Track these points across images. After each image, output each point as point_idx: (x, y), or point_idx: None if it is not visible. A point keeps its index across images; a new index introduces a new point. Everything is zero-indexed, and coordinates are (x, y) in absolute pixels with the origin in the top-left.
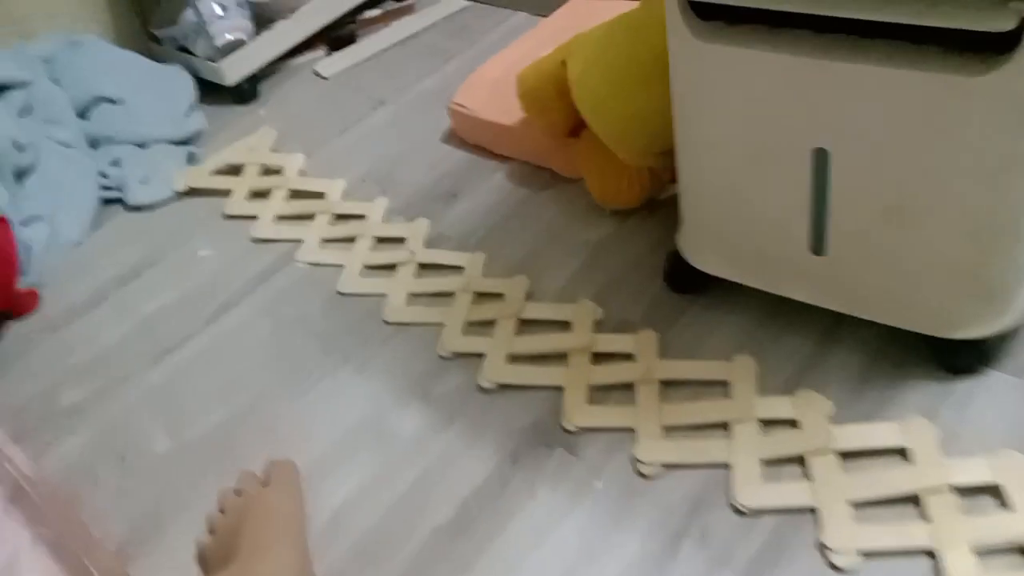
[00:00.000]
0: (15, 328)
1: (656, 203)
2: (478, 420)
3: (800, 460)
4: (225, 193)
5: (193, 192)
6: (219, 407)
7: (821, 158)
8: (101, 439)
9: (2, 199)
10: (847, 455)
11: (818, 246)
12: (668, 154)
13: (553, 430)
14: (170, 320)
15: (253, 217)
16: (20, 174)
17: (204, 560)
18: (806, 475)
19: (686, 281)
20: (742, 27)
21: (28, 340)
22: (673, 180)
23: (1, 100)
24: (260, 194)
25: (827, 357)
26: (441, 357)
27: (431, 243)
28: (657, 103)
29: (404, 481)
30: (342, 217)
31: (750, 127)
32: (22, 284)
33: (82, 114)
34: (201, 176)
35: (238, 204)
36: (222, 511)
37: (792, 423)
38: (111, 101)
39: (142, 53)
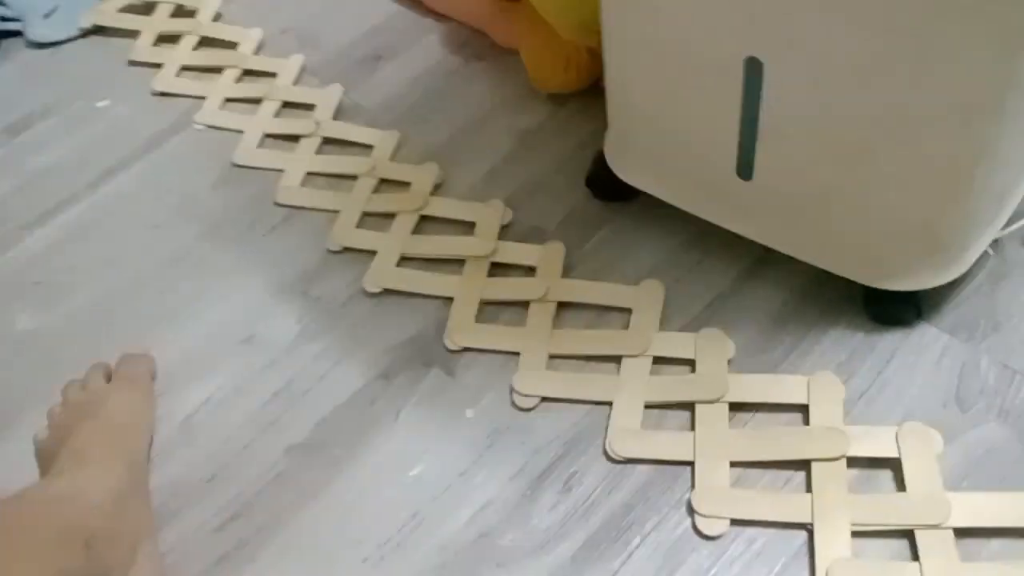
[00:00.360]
0: None
1: (598, 91)
2: (356, 328)
3: (690, 407)
4: (132, 35)
5: (99, 30)
6: (90, 288)
7: (753, 69)
8: None
9: None
10: (740, 407)
11: (745, 170)
12: None
13: (435, 346)
14: (54, 181)
15: (158, 65)
16: None
17: (40, 455)
18: (691, 425)
19: (609, 189)
20: None
21: None
22: None
23: None
24: (169, 39)
25: (744, 294)
26: (329, 251)
27: (343, 114)
28: None
29: (266, 391)
30: (251, 74)
31: (679, 27)
32: None
33: None
34: (108, 13)
35: (144, 50)
36: (63, 404)
37: (689, 364)
38: None
39: None
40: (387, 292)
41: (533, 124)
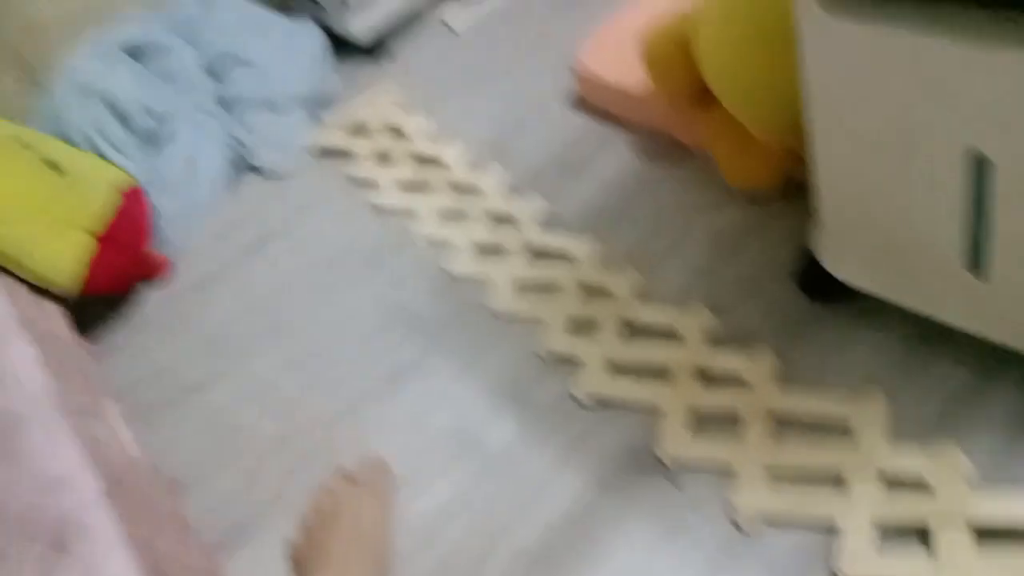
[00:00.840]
0: (145, 295)
1: (796, 186)
2: (571, 436)
3: (924, 532)
4: (349, 155)
5: (321, 152)
6: (327, 397)
7: (978, 161)
8: (216, 418)
9: (138, 166)
10: (985, 533)
11: (975, 264)
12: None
13: (649, 456)
14: (287, 298)
15: (375, 183)
16: (155, 140)
17: (294, 559)
18: (930, 552)
19: (820, 287)
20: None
21: (157, 310)
22: None
23: (139, 64)
24: (383, 156)
25: (977, 402)
26: (540, 358)
27: (545, 222)
28: (784, 75)
29: (489, 497)
30: (458, 187)
31: (891, 118)
32: (154, 249)
33: (215, 75)
34: (329, 135)
35: (361, 167)
36: (313, 511)
37: (921, 484)
38: (243, 62)
39: (272, 7)
40: (598, 399)
41: (731, 224)
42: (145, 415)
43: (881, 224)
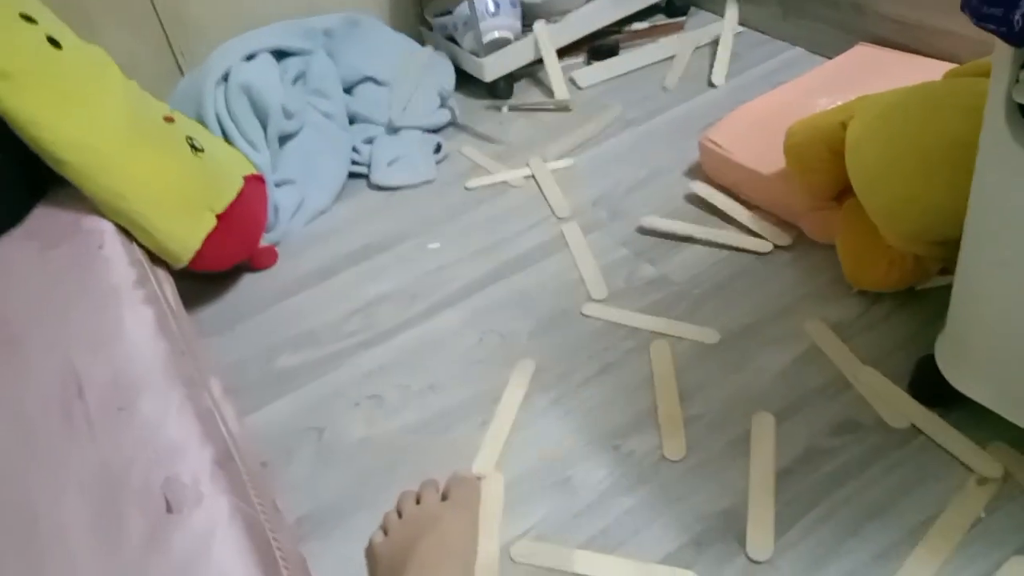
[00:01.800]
0: (248, 283)
1: (913, 293)
2: (666, 489)
3: None
4: (462, 181)
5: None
6: (417, 407)
7: None
8: (305, 411)
9: (263, 159)
10: None
11: None
12: (941, 244)
13: (744, 524)
14: (388, 308)
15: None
16: (283, 139)
17: (373, 557)
18: None
19: (935, 394)
20: None
21: (259, 299)
22: (941, 272)
23: (281, 66)
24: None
25: None
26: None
27: (651, 284)
28: (938, 192)
29: (582, 535)
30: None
31: None
32: (265, 240)
33: (348, 89)
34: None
35: (475, 202)
36: (400, 515)
37: None
38: (376, 82)
39: (412, 36)
40: (690, 458)
41: (843, 317)
42: (238, 398)
43: (1015, 348)
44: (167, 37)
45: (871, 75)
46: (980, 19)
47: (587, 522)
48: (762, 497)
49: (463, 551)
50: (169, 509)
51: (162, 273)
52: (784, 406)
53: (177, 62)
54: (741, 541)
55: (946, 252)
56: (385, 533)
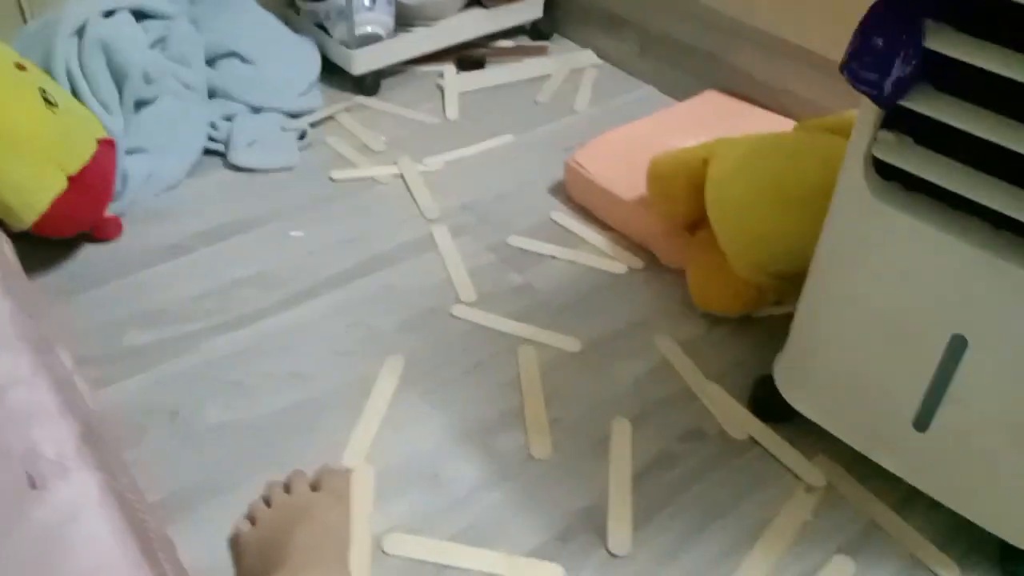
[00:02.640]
0: (90, 252)
1: (750, 319)
2: (532, 487)
3: None
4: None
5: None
6: (279, 395)
7: (957, 345)
8: (156, 392)
9: (116, 124)
10: None
11: (922, 424)
12: (782, 278)
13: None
14: (248, 292)
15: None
16: (139, 104)
17: (239, 546)
18: None
19: (771, 410)
20: (919, 196)
21: (101, 270)
22: (775, 303)
23: (140, 26)
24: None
25: (889, 530)
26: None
27: (517, 291)
28: (789, 231)
29: (450, 529)
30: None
31: (897, 297)
32: (110, 210)
33: (210, 62)
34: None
35: (340, 194)
36: (267, 504)
37: None
38: (242, 59)
39: (279, 17)
40: (555, 457)
41: (691, 336)
42: (89, 369)
43: (849, 375)
44: None
45: (720, 119)
46: (857, 81)
47: (456, 515)
48: (621, 496)
49: (340, 540)
50: (32, 484)
51: (1, 234)
52: (638, 413)
53: (20, 7)
54: (602, 536)
55: (783, 285)
56: (253, 523)
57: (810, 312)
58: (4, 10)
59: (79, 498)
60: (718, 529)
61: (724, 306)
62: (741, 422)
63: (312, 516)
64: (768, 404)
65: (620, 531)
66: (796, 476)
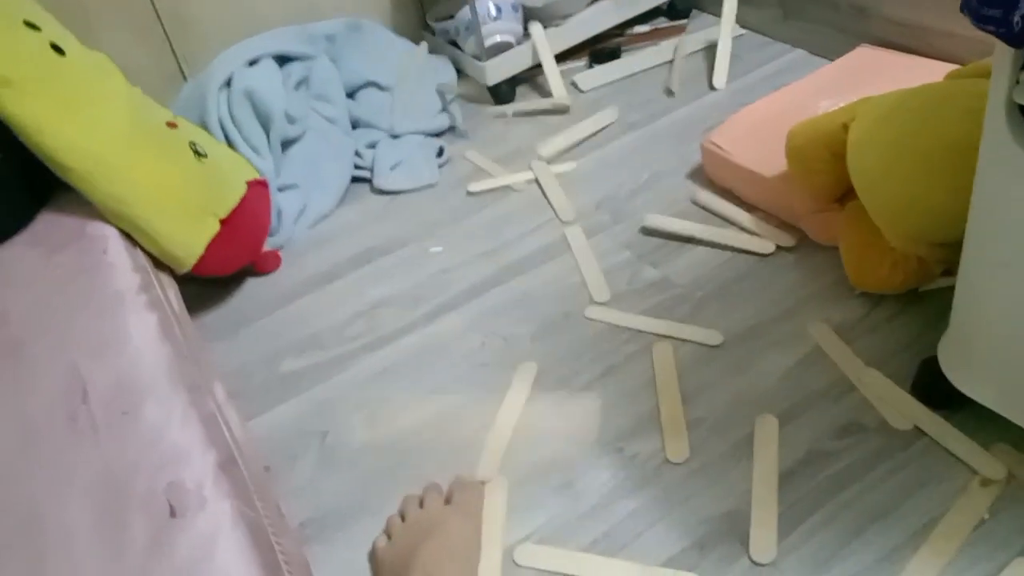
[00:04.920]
0: (252, 287)
1: (916, 295)
2: (669, 493)
3: None
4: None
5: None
6: (420, 411)
7: None
8: (308, 416)
9: (267, 164)
10: None
11: None
12: (943, 246)
13: (748, 526)
14: (391, 311)
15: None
16: (286, 143)
17: (376, 561)
18: None
19: (938, 395)
20: None
21: (263, 303)
22: (944, 273)
23: (284, 71)
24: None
25: None
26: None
27: (654, 286)
28: (938, 194)
29: (585, 539)
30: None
31: None
32: (268, 245)
33: (351, 94)
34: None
35: (477, 205)
36: (403, 519)
37: None
38: (379, 87)
39: (414, 41)
40: (693, 460)
41: (845, 319)
42: (242, 403)
43: (1019, 349)
44: (170, 42)
45: (873, 76)
46: (980, 20)
47: (590, 525)
48: (765, 500)
49: (467, 554)
50: (172, 514)
51: (166, 278)
52: (787, 409)
53: (180, 67)
54: (744, 543)
55: (949, 254)
56: (389, 537)
57: (969, 283)
58: (166, 70)
59: (213, 525)
60: (877, 532)
61: (883, 283)
62: (906, 411)
63: (441, 531)
64: (934, 389)
65: (764, 537)
66: (971, 468)
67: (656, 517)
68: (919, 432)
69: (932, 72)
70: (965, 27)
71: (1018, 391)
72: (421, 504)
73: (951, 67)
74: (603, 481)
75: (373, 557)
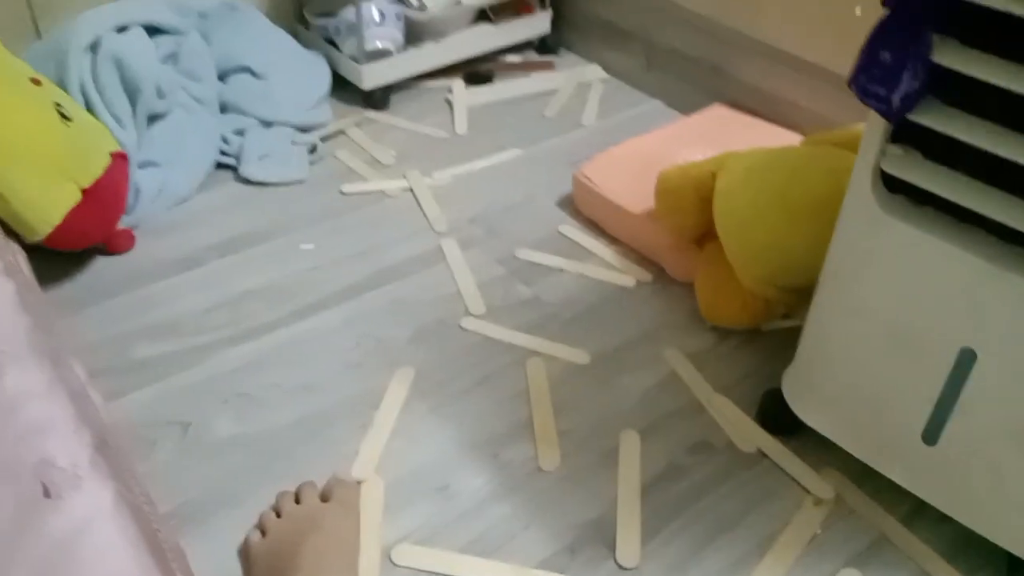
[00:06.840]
0: (102, 265)
1: (759, 332)
2: (541, 498)
3: None
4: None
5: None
6: (289, 407)
7: (966, 359)
8: (167, 404)
9: (129, 137)
10: None
11: (931, 438)
12: (790, 291)
13: (614, 532)
14: (258, 304)
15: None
16: (151, 119)
17: (249, 557)
18: None
19: (779, 422)
20: (926, 209)
21: (113, 283)
22: (784, 316)
23: (152, 41)
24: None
25: (897, 543)
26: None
27: (526, 304)
28: (797, 243)
29: (460, 540)
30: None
31: (904, 310)
32: (122, 223)
33: (221, 77)
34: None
35: (349, 207)
36: (278, 514)
37: None
38: (252, 73)
39: (288, 32)
40: (563, 469)
41: (699, 349)
42: (99, 382)
43: (857, 388)
44: None
45: (727, 134)
46: (865, 95)
47: (466, 527)
48: (630, 508)
49: (349, 551)
50: (47, 494)
51: (15, 246)
52: (647, 425)
53: (35, 23)
54: (611, 548)
55: (792, 298)
56: (263, 533)
57: (818, 325)
58: (18, 26)
59: (93, 508)
60: (727, 542)
61: (732, 319)
62: (749, 435)
63: (321, 527)
64: (777, 417)
65: (629, 543)
66: (805, 489)
67: (529, 521)
68: (761, 454)
69: (778, 136)
70: (808, 100)
71: (851, 423)
72: (297, 500)
73: (793, 133)
74: (478, 485)
75: (246, 552)
